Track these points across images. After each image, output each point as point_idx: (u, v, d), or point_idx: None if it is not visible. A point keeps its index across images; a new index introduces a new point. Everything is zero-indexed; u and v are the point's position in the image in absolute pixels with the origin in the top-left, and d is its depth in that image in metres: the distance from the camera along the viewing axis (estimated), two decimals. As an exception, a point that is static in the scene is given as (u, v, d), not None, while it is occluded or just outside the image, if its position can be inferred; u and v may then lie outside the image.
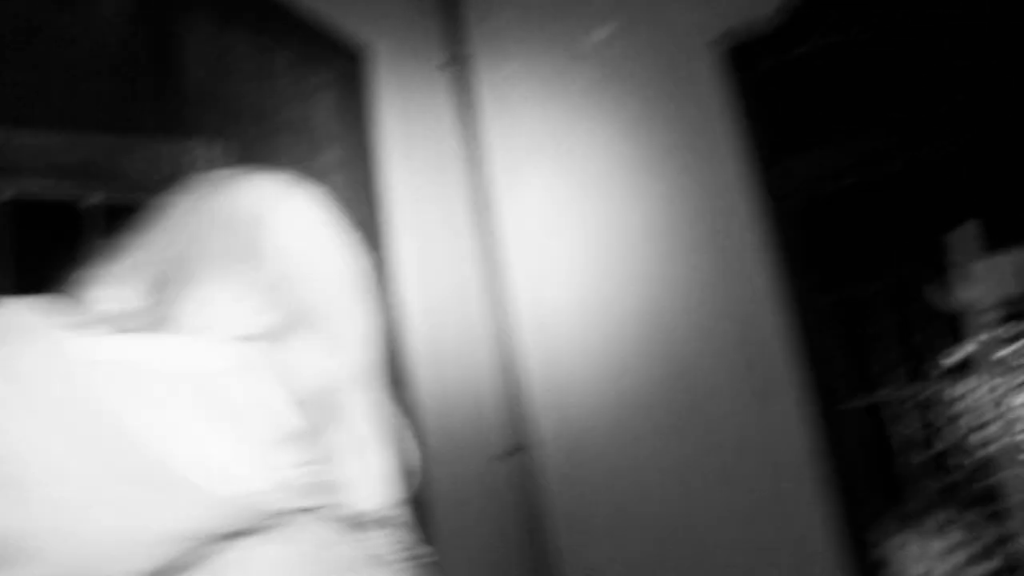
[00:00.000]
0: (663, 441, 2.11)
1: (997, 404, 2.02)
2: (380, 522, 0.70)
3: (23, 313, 0.64)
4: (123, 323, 0.69)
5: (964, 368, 2.12)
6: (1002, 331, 2.03)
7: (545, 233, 2.48)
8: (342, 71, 2.63)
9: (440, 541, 1.53)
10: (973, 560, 2.06)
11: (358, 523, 0.65)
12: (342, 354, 0.74)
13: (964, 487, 2.10)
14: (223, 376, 0.65)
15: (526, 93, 2.60)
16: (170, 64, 2.03)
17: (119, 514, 0.55)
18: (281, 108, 2.48)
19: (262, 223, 0.76)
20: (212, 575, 0.57)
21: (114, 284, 0.72)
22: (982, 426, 2.09)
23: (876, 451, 2.12)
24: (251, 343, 0.70)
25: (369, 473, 0.72)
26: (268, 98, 2.42)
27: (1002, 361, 2.03)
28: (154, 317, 0.70)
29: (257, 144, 2.30)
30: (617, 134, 2.37)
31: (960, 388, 2.14)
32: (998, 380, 2.03)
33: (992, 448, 2.05)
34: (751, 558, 1.96)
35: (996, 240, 2.01)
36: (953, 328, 2.10)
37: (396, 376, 2.07)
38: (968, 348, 2.08)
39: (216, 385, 0.64)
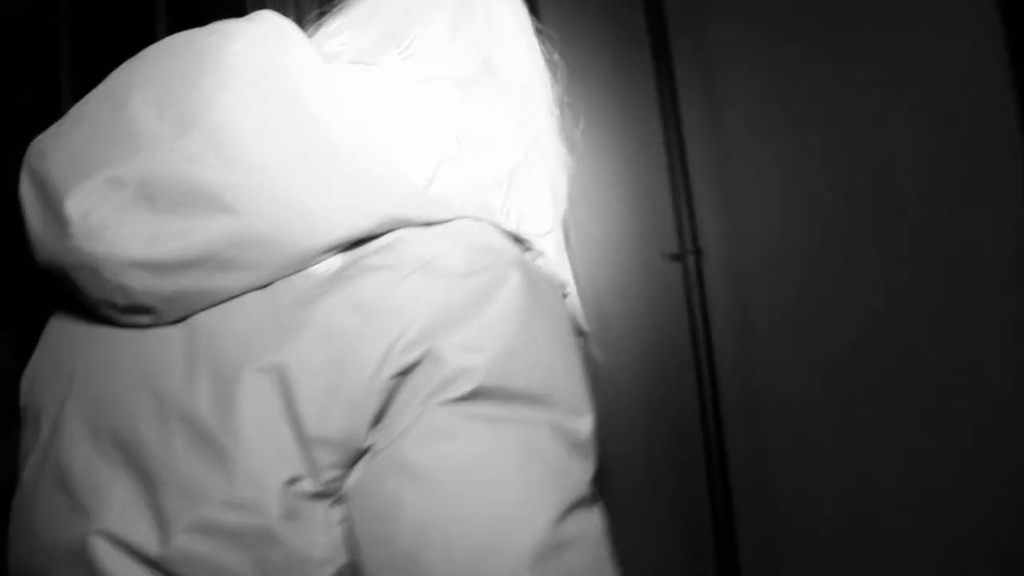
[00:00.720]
0: (851, 244, 1.76)
1: None
2: (540, 248, 0.74)
3: (278, 20, 0.71)
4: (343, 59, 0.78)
5: None
6: None
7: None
8: None
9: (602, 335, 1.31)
10: None
11: (518, 239, 0.68)
12: (528, 105, 0.80)
13: None
14: (416, 103, 0.74)
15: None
16: None
17: (317, 186, 0.62)
18: None
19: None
20: (395, 254, 0.62)
21: (340, 32, 0.79)
22: None
23: None
24: (448, 89, 0.77)
25: (531, 199, 0.79)
26: None
27: None
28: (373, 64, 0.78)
29: None
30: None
31: None
32: None
33: None
34: (957, 370, 1.60)
35: None
36: None
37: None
38: None
39: (409, 109, 0.74)
